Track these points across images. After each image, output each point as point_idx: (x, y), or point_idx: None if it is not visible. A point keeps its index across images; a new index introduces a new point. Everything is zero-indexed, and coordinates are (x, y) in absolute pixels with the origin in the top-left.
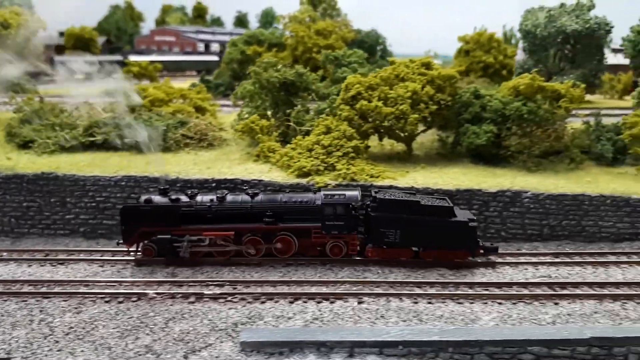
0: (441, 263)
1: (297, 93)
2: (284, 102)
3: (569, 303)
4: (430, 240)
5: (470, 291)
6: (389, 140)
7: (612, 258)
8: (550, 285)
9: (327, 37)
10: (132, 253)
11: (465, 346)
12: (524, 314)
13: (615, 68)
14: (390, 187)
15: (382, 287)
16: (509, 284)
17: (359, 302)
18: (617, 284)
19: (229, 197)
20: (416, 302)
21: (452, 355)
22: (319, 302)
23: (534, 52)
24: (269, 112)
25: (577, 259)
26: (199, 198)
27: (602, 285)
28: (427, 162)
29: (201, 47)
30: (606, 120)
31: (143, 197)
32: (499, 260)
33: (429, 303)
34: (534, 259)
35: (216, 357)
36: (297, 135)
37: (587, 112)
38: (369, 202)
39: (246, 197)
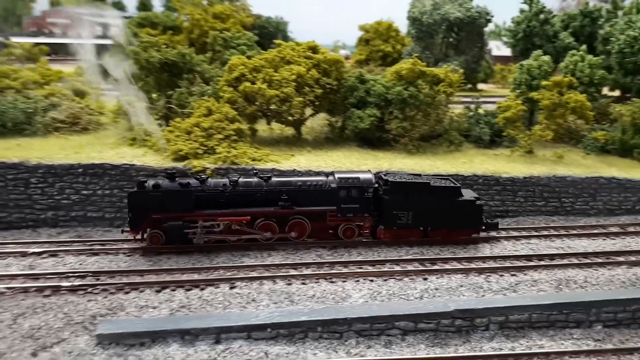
0: (321, 243)
1: (181, 74)
2: (168, 83)
3: (437, 278)
4: (440, 219)
5: (345, 270)
6: (280, 125)
7: (483, 234)
8: (421, 261)
9: (225, 21)
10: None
11: (333, 324)
12: (393, 290)
13: (507, 59)
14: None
15: (258, 271)
16: (382, 262)
17: (231, 287)
18: (483, 259)
19: (242, 181)
20: (290, 284)
21: (321, 334)
22: (188, 290)
23: (421, 38)
24: (154, 95)
25: None
26: (209, 182)
27: (469, 260)
28: (314, 146)
29: (99, 30)
30: (492, 107)
31: (150, 182)
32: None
33: (303, 284)
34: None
35: (69, 352)
36: (181, 118)
37: (478, 99)
38: (378, 185)
39: (260, 181)
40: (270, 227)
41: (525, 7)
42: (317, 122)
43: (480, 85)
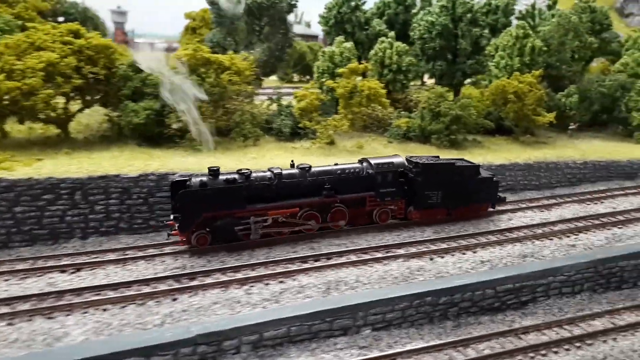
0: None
1: None
2: None
3: (190, 296)
4: (463, 197)
5: (77, 299)
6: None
7: None
8: (177, 277)
9: (13, 6)
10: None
11: None
12: (129, 319)
13: None
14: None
15: None
16: (129, 284)
17: None
18: (252, 266)
19: (285, 173)
20: None
21: None
22: None
23: (222, 24)
24: None
25: None
26: (253, 176)
27: (236, 269)
28: (81, 146)
29: None
30: None
31: (195, 180)
32: (137, 254)
33: (10, 324)
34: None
35: None
36: None
37: (280, 89)
38: (405, 169)
39: (301, 171)
40: (314, 217)
41: None
42: (95, 118)
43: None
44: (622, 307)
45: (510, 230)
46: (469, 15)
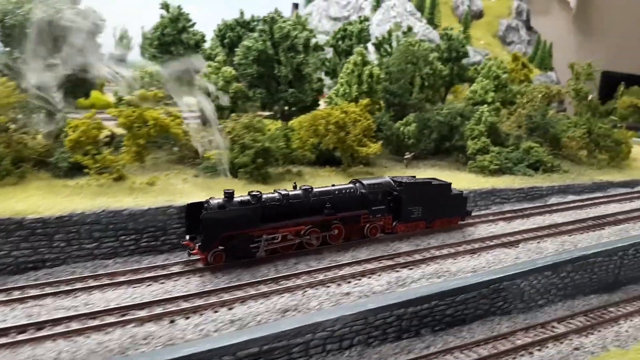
0: None
1: None
2: None
3: None
4: (439, 211)
5: None
6: None
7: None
8: None
9: None
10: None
11: None
12: None
13: None
14: None
15: None
16: None
17: None
18: None
19: (291, 194)
20: None
21: None
22: None
23: (9, 43)
24: None
25: None
26: (264, 197)
27: None
28: None
29: None
30: None
31: (213, 202)
32: None
33: None
34: None
35: None
36: None
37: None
38: (391, 188)
39: (304, 192)
40: (316, 234)
41: (164, 12)
42: None
43: None
44: None
45: (287, 277)
46: (287, 41)
